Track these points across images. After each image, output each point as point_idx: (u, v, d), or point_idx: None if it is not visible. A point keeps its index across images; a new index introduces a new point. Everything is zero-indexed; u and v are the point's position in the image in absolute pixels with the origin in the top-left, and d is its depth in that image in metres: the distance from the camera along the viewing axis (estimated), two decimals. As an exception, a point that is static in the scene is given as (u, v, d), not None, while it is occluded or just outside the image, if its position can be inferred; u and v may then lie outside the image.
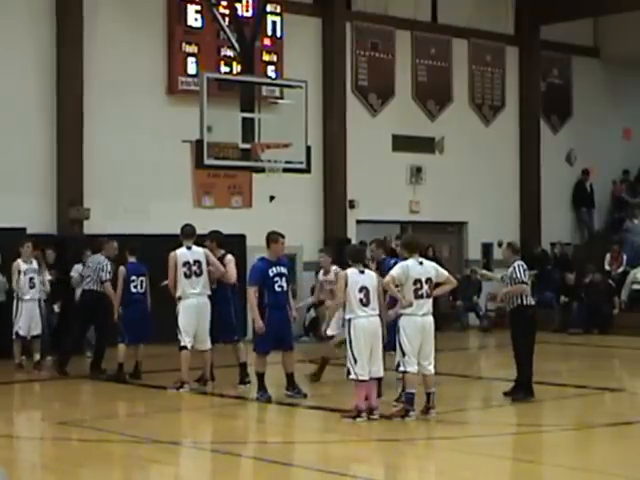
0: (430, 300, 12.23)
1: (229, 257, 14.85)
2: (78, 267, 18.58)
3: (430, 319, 12.24)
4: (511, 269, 13.45)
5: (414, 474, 10.32)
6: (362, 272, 12.15)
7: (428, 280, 12.19)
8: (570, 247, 26.33)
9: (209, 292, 14.67)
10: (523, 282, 13.40)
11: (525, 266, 13.55)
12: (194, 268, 14.54)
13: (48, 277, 17.85)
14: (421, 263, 12.28)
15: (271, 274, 13.50)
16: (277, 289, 13.54)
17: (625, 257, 24.43)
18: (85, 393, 15.69)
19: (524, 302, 13.44)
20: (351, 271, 12.14)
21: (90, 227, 19.66)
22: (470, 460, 10.41)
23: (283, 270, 13.66)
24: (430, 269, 12.32)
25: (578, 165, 27.39)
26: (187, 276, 14.52)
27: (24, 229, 18.86)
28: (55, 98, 19.60)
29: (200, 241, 14.94)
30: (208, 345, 14.70)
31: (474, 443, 11.19)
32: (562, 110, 27.46)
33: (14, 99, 19.26)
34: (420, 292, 12.11)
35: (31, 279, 16.84)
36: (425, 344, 12.18)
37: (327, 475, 9.89)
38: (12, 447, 11.14)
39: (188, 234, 14.78)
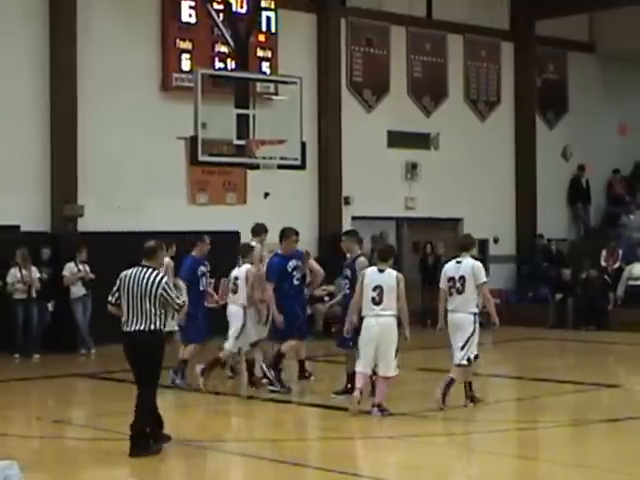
0: (461, 296, 12.33)
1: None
2: (70, 265, 18.53)
3: (457, 315, 12.42)
4: None
5: (413, 471, 10.29)
6: (381, 271, 12.15)
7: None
8: (566, 243, 26.31)
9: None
10: None
11: None
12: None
13: (38, 275, 17.92)
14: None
15: (289, 269, 14.02)
16: (296, 282, 14.09)
17: (621, 253, 24.39)
18: (81, 391, 15.66)
19: None
20: (370, 270, 12.27)
21: (84, 224, 19.61)
22: (468, 457, 10.40)
23: (298, 263, 14.17)
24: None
25: (574, 161, 27.36)
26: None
27: (18, 227, 18.83)
28: (49, 95, 19.53)
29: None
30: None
31: (471, 439, 11.19)
32: (558, 106, 27.42)
33: (7, 96, 19.17)
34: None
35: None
36: (454, 337, 12.51)
37: (326, 473, 9.87)
38: (7, 445, 11.07)
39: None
